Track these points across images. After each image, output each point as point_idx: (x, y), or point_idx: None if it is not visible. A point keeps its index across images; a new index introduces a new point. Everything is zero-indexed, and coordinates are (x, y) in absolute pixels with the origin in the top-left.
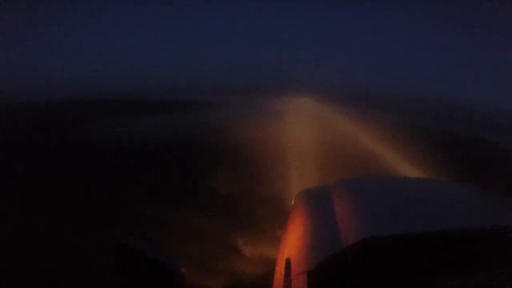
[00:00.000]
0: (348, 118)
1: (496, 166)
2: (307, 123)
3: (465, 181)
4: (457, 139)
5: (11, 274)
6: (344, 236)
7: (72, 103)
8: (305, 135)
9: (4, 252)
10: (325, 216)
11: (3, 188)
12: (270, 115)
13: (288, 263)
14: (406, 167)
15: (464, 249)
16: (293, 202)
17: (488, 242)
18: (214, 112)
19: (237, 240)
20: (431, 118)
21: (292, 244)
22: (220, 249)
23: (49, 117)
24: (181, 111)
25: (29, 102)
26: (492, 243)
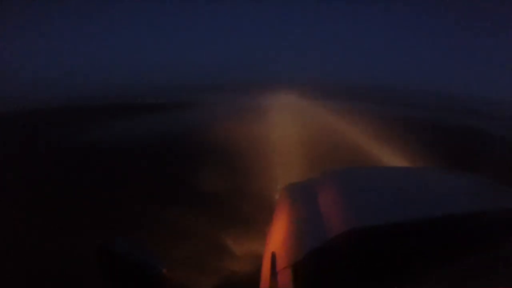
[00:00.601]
0: (333, 112)
1: (482, 152)
2: (292, 119)
3: (451, 168)
4: (443, 128)
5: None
6: (329, 228)
7: (53, 109)
8: (290, 130)
9: None
10: (309, 209)
11: None
12: (254, 112)
13: (273, 257)
14: (392, 158)
15: (452, 236)
16: (278, 196)
17: (475, 228)
18: (197, 111)
19: (225, 238)
20: (415, 109)
21: (278, 238)
22: (208, 247)
23: (34, 123)
24: (164, 112)
25: (10, 110)
26: (479, 228)
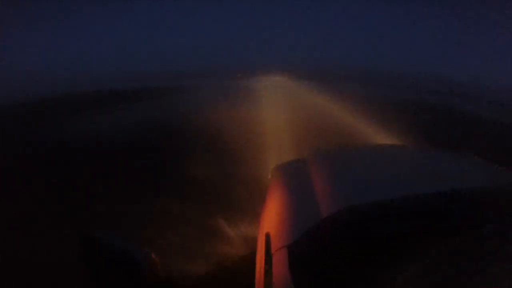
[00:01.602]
0: (323, 94)
1: (467, 132)
2: (282, 101)
3: (438, 147)
4: (428, 108)
5: None
6: (323, 207)
7: (35, 101)
8: (281, 113)
9: None
10: (302, 188)
11: None
12: (244, 96)
13: (267, 238)
14: (381, 138)
15: (446, 213)
16: (269, 176)
17: (466, 205)
18: (186, 96)
19: (218, 222)
20: (403, 90)
21: (271, 219)
22: (201, 233)
23: (15, 116)
24: (152, 98)
25: None
26: (470, 205)
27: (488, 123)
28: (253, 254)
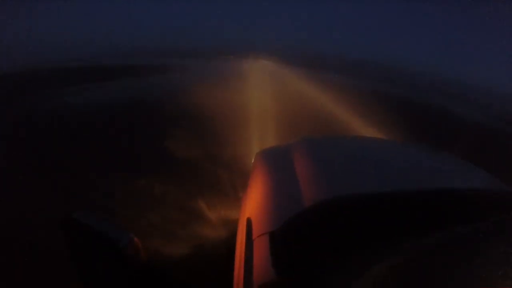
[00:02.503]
0: (309, 80)
1: (452, 129)
2: (267, 86)
3: (422, 142)
4: (415, 104)
5: None
6: (306, 196)
7: (16, 72)
8: (266, 97)
9: None
10: (286, 175)
11: None
12: (229, 78)
13: (249, 224)
14: (366, 129)
15: (427, 208)
16: (253, 161)
17: (451, 201)
18: (171, 75)
19: (199, 205)
20: (390, 83)
21: (253, 205)
22: (181, 215)
23: None
24: (136, 75)
25: None
26: (455, 202)
27: (464, 120)
28: (233, 238)
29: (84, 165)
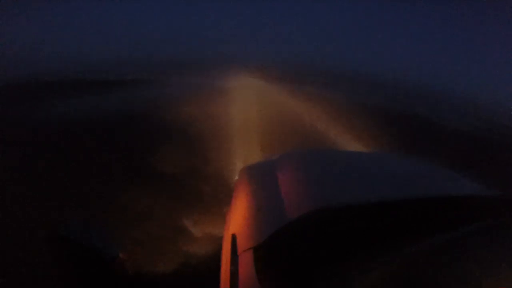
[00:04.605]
0: (294, 96)
1: (435, 139)
2: (253, 102)
3: (405, 153)
4: (399, 116)
5: None
6: (290, 209)
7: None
8: (251, 113)
9: None
10: (269, 190)
11: None
12: (215, 94)
13: (234, 239)
14: (350, 143)
15: (410, 217)
16: (236, 178)
17: (432, 210)
18: (156, 90)
19: (184, 220)
20: (377, 97)
21: (238, 220)
22: (166, 231)
23: None
24: (120, 90)
25: None
26: (437, 210)
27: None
28: (218, 254)
29: (61, 181)
